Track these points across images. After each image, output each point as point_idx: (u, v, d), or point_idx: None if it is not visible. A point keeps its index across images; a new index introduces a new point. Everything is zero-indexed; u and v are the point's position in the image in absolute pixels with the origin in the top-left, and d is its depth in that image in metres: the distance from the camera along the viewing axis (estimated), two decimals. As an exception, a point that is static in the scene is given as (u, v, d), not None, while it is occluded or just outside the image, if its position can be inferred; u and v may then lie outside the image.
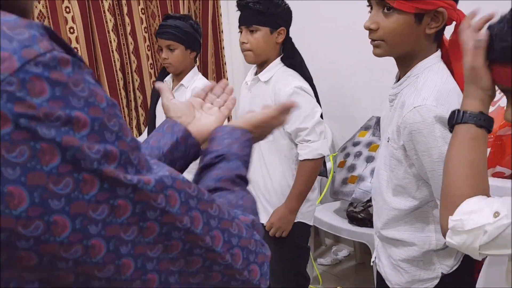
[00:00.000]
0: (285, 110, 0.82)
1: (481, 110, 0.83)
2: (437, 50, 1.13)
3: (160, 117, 2.16)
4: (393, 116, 1.15)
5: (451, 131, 0.87)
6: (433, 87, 1.05)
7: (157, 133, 0.77)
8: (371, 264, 1.42)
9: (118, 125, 0.40)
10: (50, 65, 0.35)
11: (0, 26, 0.35)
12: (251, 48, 1.69)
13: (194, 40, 2.06)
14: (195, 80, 2.07)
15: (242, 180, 0.66)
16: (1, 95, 0.33)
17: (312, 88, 1.74)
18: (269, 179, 1.75)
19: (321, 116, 1.72)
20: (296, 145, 1.72)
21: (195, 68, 2.14)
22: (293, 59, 1.73)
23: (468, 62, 0.83)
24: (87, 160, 0.37)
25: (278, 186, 1.75)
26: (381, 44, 1.10)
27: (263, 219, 1.77)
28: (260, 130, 0.78)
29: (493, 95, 0.85)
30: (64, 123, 0.35)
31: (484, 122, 0.83)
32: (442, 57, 1.14)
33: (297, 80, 1.69)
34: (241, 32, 1.74)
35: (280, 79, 1.69)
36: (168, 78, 2.16)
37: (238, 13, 1.76)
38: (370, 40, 1.12)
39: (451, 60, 1.11)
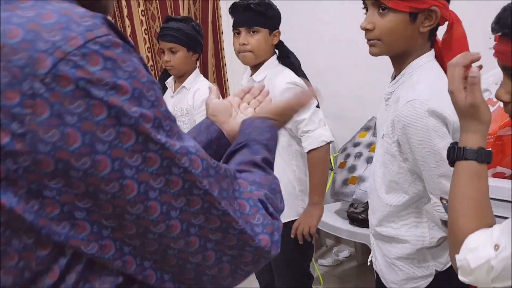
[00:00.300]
0: (302, 100, 0.90)
1: (481, 145, 0.83)
2: (431, 49, 1.16)
3: None
4: (388, 113, 1.18)
5: (451, 166, 0.87)
6: (427, 83, 1.08)
7: (195, 130, 0.87)
8: (368, 263, 1.43)
9: (155, 97, 0.50)
10: (105, 45, 0.47)
11: (73, 15, 0.48)
12: (252, 49, 1.70)
13: (196, 42, 2.06)
14: (197, 82, 2.07)
15: (264, 162, 0.72)
16: (68, 63, 0.45)
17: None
18: None
19: (318, 106, 1.72)
20: (295, 141, 1.72)
21: (197, 70, 2.13)
22: (289, 59, 1.75)
23: (466, 99, 0.82)
24: (127, 117, 0.47)
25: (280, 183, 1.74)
26: (377, 43, 1.13)
27: None
28: (280, 117, 0.85)
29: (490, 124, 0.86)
30: (111, 88, 0.46)
31: (485, 157, 0.83)
32: (435, 56, 1.17)
33: (290, 75, 1.70)
34: (237, 33, 1.74)
35: (273, 77, 1.70)
36: (170, 80, 2.15)
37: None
38: (366, 40, 1.16)
39: (444, 59, 1.13)
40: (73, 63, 0.45)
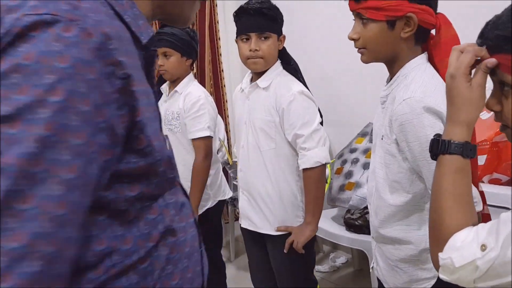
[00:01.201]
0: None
1: (466, 139, 0.80)
2: (423, 52, 1.20)
3: None
4: (386, 115, 1.20)
5: (434, 160, 0.84)
6: (421, 82, 1.12)
7: None
8: (370, 270, 1.42)
9: None
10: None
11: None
12: (263, 55, 1.63)
13: (190, 48, 2.07)
14: (189, 86, 2.09)
15: None
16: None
17: None
18: (271, 186, 1.70)
19: (321, 123, 1.69)
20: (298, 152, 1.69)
21: (191, 75, 2.15)
22: (290, 65, 1.72)
23: (471, 83, 0.79)
24: None
25: (281, 193, 1.71)
26: (364, 51, 1.20)
27: (265, 227, 1.75)
28: None
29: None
30: None
31: (471, 152, 0.80)
32: (429, 59, 1.20)
33: (298, 84, 1.67)
34: (245, 39, 1.66)
35: (281, 85, 1.66)
36: (165, 86, 2.17)
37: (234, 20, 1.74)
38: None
39: (435, 60, 1.17)
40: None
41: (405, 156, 1.14)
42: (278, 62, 1.72)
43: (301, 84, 1.70)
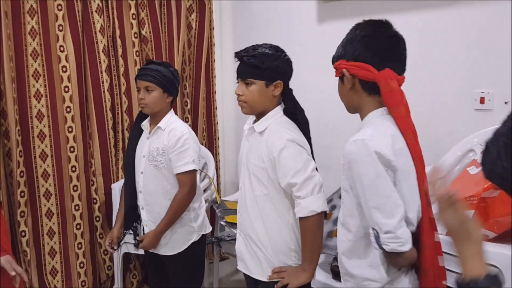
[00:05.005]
0: None
1: (487, 272, 0.83)
2: (381, 106, 1.33)
3: (138, 161, 2.18)
4: None
5: None
6: (371, 129, 1.28)
7: None
8: None
9: None
10: None
11: None
12: (246, 100, 1.68)
13: (171, 85, 2.13)
14: (172, 122, 2.13)
15: None
16: None
17: (308, 141, 1.71)
18: (264, 232, 1.69)
19: (316, 169, 1.66)
20: (291, 199, 1.65)
21: (172, 111, 2.19)
22: (295, 116, 1.70)
23: (455, 219, 0.85)
24: None
25: (274, 240, 1.69)
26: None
27: (258, 273, 1.72)
28: None
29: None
30: None
31: (496, 281, 0.83)
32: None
33: (291, 132, 1.64)
34: (237, 82, 1.72)
35: (273, 132, 1.65)
36: (146, 123, 2.20)
37: (232, 59, 1.77)
38: None
39: (390, 109, 1.31)
40: None
41: (354, 192, 1.29)
42: (278, 107, 1.70)
43: (296, 130, 1.67)
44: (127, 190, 2.21)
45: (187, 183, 2.07)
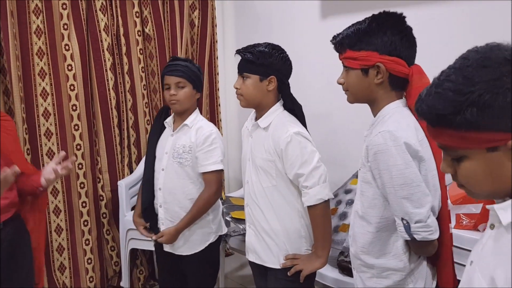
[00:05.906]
0: None
1: None
2: (401, 98, 1.36)
3: (159, 158, 2.15)
4: (364, 147, 1.35)
5: None
6: (395, 120, 1.29)
7: None
8: None
9: None
10: None
11: None
12: (242, 93, 1.78)
13: (199, 82, 2.11)
14: (198, 121, 2.10)
15: None
16: None
17: None
18: (275, 221, 1.76)
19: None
20: (298, 188, 1.74)
21: (197, 109, 2.16)
22: (293, 111, 1.79)
23: None
24: None
25: (286, 228, 1.76)
26: (347, 93, 1.41)
27: (270, 261, 1.78)
28: None
29: None
30: None
31: None
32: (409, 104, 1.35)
33: (295, 126, 1.73)
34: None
35: (279, 126, 1.73)
36: (170, 120, 2.16)
37: (233, 57, 1.85)
38: None
39: (409, 105, 1.33)
40: None
41: (377, 183, 1.30)
42: (278, 103, 1.79)
43: (298, 125, 1.75)
44: (145, 187, 2.16)
45: (214, 182, 2.04)
